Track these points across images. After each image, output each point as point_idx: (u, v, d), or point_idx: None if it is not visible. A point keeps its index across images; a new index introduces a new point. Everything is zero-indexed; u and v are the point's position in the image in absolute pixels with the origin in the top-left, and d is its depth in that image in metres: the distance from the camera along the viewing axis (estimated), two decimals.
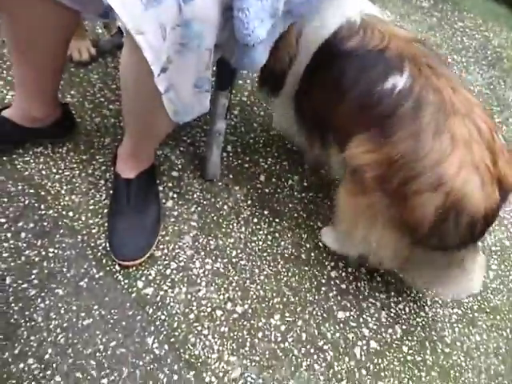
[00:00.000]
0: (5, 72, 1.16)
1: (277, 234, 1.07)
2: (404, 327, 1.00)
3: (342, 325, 0.96)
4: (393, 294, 1.04)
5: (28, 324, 0.80)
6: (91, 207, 0.98)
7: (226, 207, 1.08)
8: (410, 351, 0.96)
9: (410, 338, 0.98)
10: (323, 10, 0.87)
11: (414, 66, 0.81)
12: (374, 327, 0.98)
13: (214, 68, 0.92)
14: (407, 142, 0.76)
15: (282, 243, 1.05)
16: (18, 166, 1.00)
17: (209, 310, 0.90)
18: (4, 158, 1.00)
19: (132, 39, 0.56)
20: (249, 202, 1.11)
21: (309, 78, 0.94)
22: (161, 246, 0.96)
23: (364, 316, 0.99)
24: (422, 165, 0.75)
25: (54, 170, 1.02)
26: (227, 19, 0.61)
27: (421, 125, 0.76)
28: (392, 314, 1.01)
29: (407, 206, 0.78)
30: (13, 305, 0.82)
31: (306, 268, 1.02)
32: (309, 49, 0.91)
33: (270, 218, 1.09)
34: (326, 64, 0.90)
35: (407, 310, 1.04)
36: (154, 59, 0.57)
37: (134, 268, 0.91)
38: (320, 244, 1.08)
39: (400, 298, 1.04)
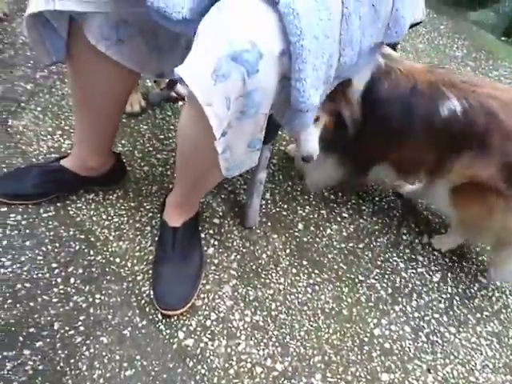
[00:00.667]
0: (62, 122, 1.25)
1: (316, 287, 1.05)
2: None
3: None
4: (439, 355, 0.99)
5: (73, 372, 0.81)
6: (137, 254, 1.01)
7: (264, 256, 1.08)
8: None
9: None
10: None
11: (451, 87, 0.93)
12: None
13: None
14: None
15: (322, 297, 1.03)
16: (71, 212, 1.06)
17: (248, 365, 0.88)
18: (58, 204, 1.06)
19: (196, 107, 0.60)
20: (287, 250, 1.11)
21: (361, 130, 0.98)
22: (201, 296, 0.97)
23: (409, 379, 0.94)
24: None
25: (104, 217, 1.07)
26: (283, 86, 0.64)
27: (504, 125, 0.90)
28: (439, 378, 0.96)
29: None
30: (59, 351, 0.83)
31: (348, 325, 0.99)
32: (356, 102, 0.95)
33: (310, 269, 1.08)
34: (373, 113, 0.96)
35: (455, 373, 0.98)
36: (218, 126, 0.61)
37: (176, 317, 0.92)
38: (362, 299, 1.05)
39: (447, 361, 0.99)
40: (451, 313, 1.08)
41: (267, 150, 1.04)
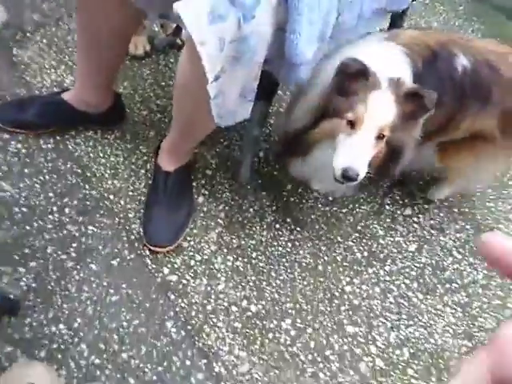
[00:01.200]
0: (66, 57, 1.26)
1: (296, 243, 1.11)
2: (412, 351, 1.02)
3: (350, 339, 0.99)
4: (404, 316, 1.07)
5: (63, 293, 0.88)
6: (130, 193, 1.06)
7: (251, 210, 1.13)
8: (416, 375, 0.98)
9: (416, 362, 1.00)
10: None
11: (454, 44, 0.91)
12: (382, 346, 1.00)
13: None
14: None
15: (301, 252, 1.10)
16: (70, 147, 1.09)
17: (225, 304, 0.95)
18: (58, 138, 1.09)
19: (192, 48, 0.62)
20: (273, 208, 1.16)
21: None
22: (188, 238, 1.03)
23: (373, 334, 1.02)
24: None
25: (101, 155, 1.10)
26: (277, 37, 0.66)
27: (503, 75, 0.91)
28: (401, 336, 1.04)
29: None
30: (51, 273, 0.90)
31: (322, 279, 1.06)
32: None
33: (292, 226, 1.14)
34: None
35: (417, 334, 1.06)
36: (211, 68, 0.63)
37: (163, 254, 0.98)
38: (338, 258, 1.11)
39: (411, 322, 1.06)
40: (421, 281, 1.14)
41: (264, 106, 1.06)
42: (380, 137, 0.78)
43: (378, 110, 0.76)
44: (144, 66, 1.33)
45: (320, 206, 1.22)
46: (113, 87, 1.08)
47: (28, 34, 1.26)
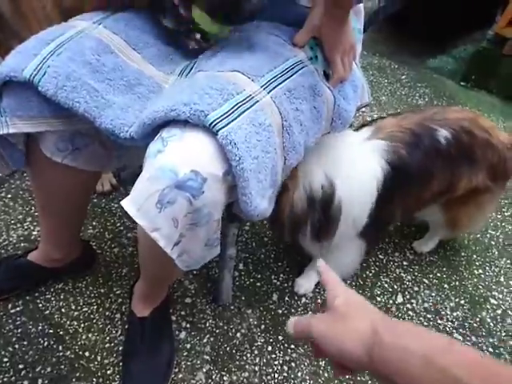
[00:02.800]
0: (33, 208, 1.26)
1: (293, 364, 1.04)
2: None
3: None
4: None
5: None
6: (107, 345, 1.00)
7: (238, 335, 1.08)
8: None
9: None
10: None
11: (431, 120, 1.04)
12: None
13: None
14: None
15: (299, 374, 1.02)
16: (40, 305, 1.05)
17: None
18: (27, 298, 1.05)
19: (145, 231, 0.62)
20: (262, 326, 1.10)
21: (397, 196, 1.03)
22: None
23: None
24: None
25: (73, 307, 1.06)
26: (232, 192, 0.67)
27: (479, 137, 1.07)
28: None
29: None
30: None
31: None
32: None
33: (285, 345, 1.08)
34: (401, 181, 1.00)
35: None
36: (167, 244, 0.63)
37: None
38: None
39: None
40: None
41: (234, 228, 1.06)
42: None
43: None
44: (112, 200, 1.35)
45: (311, 312, 1.17)
46: (78, 238, 1.07)
47: None
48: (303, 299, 1.19)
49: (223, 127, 0.57)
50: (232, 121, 0.58)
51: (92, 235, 1.23)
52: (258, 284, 1.21)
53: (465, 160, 1.08)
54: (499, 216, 1.60)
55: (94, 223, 1.26)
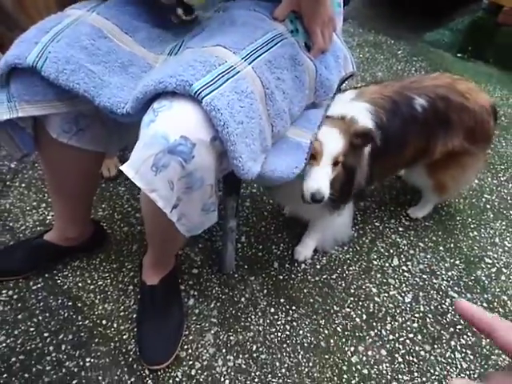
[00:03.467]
0: (46, 195, 1.35)
1: (294, 323, 1.11)
2: None
3: None
4: (416, 374, 1.04)
5: None
6: (122, 313, 1.08)
7: (243, 299, 1.15)
8: None
9: None
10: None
11: (408, 89, 1.10)
12: None
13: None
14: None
15: (301, 332, 1.10)
16: (58, 281, 1.14)
17: None
18: (46, 275, 1.14)
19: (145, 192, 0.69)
20: (265, 291, 1.18)
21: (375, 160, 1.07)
22: (185, 346, 1.03)
23: None
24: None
25: (89, 281, 1.15)
26: (223, 158, 0.73)
27: (455, 101, 1.12)
28: None
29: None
30: None
31: (327, 356, 1.05)
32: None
33: (287, 306, 1.15)
34: (387, 144, 1.05)
35: None
36: (166, 205, 0.69)
37: (162, 371, 0.98)
38: (338, 329, 1.11)
39: (424, 378, 1.03)
40: (425, 331, 1.13)
41: (232, 201, 1.13)
42: (335, 163, 0.95)
43: (331, 142, 0.93)
44: (119, 184, 1.43)
45: (310, 277, 1.24)
46: (89, 218, 1.15)
47: (8, 183, 1.37)
48: (302, 265, 1.26)
49: (207, 95, 0.63)
50: (215, 89, 0.64)
51: (102, 217, 1.31)
52: (260, 254, 1.28)
53: (440, 125, 1.13)
54: (495, 181, 1.64)
55: (103, 206, 1.34)
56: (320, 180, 0.93)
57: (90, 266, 1.18)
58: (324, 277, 1.24)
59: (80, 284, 1.14)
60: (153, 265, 1.03)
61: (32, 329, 1.03)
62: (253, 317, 1.12)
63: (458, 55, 2.45)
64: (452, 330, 1.14)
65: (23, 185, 1.37)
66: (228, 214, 1.14)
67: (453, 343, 1.11)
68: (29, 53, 0.71)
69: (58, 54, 0.71)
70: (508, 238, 1.42)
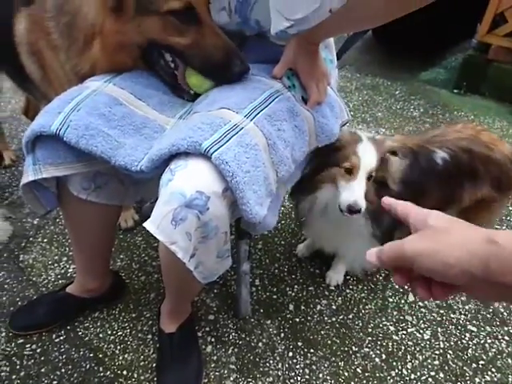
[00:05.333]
0: (67, 249, 1.41)
1: (313, 367, 1.11)
2: None
3: None
4: None
5: None
6: (142, 363, 1.10)
7: (260, 344, 1.16)
8: None
9: None
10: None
11: (428, 143, 1.18)
12: None
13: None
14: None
15: (320, 375, 1.09)
16: (80, 333, 1.16)
17: None
18: (68, 328, 1.17)
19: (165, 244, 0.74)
20: (282, 335, 1.18)
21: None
22: None
23: None
24: None
25: (109, 332, 1.17)
26: (235, 206, 0.78)
27: (479, 153, 1.18)
28: None
29: None
30: None
31: None
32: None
33: (305, 349, 1.15)
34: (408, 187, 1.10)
35: None
36: (184, 255, 0.75)
37: None
38: (358, 370, 1.10)
39: None
40: (446, 368, 1.11)
41: (245, 244, 1.17)
42: (369, 178, 1.02)
43: (367, 159, 1.01)
44: (136, 234, 1.48)
45: (326, 318, 1.24)
46: (109, 269, 1.20)
47: (31, 239, 1.44)
48: (318, 306, 1.27)
49: (215, 151, 0.71)
50: (222, 145, 0.72)
51: (120, 267, 1.36)
52: (275, 297, 1.30)
53: (465, 176, 1.19)
54: (504, 211, 1.65)
55: (121, 256, 1.40)
56: (356, 192, 0.99)
57: (110, 316, 1.21)
58: (340, 317, 1.24)
59: (101, 335, 1.16)
60: (170, 312, 1.06)
61: (55, 382, 1.05)
62: (271, 362, 1.12)
63: (455, 91, 2.54)
64: (475, 365, 1.12)
65: (45, 240, 1.44)
66: (241, 258, 1.18)
67: (477, 380, 1.09)
68: (53, 122, 0.80)
69: (79, 121, 0.80)
70: None
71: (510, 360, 1.13)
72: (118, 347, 1.14)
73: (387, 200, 0.50)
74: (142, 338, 1.16)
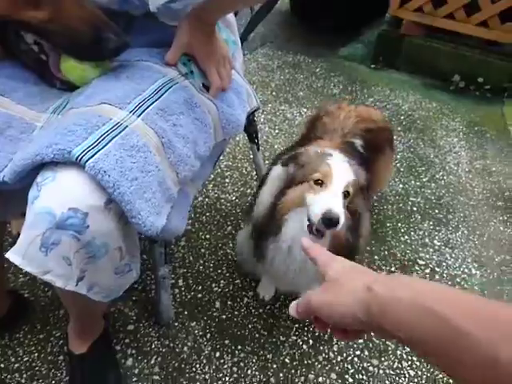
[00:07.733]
0: None
1: (241, 364, 1.08)
2: None
3: None
4: None
5: None
6: None
7: (185, 349, 1.10)
8: None
9: None
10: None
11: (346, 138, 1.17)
12: None
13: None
14: None
15: (249, 371, 1.06)
16: None
17: None
18: None
19: None
20: (208, 335, 1.14)
21: None
22: None
23: None
24: None
25: (13, 359, 1.04)
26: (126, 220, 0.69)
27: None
28: None
29: None
30: None
31: None
32: None
33: (233, 347, 1.11)
34: None
35: None
36: (66, 282, 0.64)
37: None
38: (286, 360, 1.09)
39: None
40: (371, 345, 1.14)
41: (159, 247, 1.08)
42: (345, 195, 0.85)
43: (341, 168, 0.87)
44: None
45: (253, 310, 1.21)
46: (4, 290, 1.05)
47: None
48: (245, 299, 1.24)
49: (89, 158, 0.59)
50: (98, 151, 0.60)
51: (24, 283, 1.20)
52: (200, 295, 1.24)
53: (376, 151, 1.26)
54: (418, 183, 1.73)
55: (24, 271, 1.24)
56: (330, 200, 0.80)
57: (13, 341, 1.07)
58: (267, 307, 1.22)
59: (2, 365, 1.02)
60: (78, 332, 0.95)
61: None
62: (198, 366, 1.07)
63: (372, 66, 2.60)
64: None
65: None
66: (157, 262, 1.09)
67: (398, 353, 1.13)
68: None
69: None
70: (436, 237, 1.49)
71: None
72: (25, 375, 1.01)
73: (306, 243, 0.55)
74: (53, 360, 1.04)
